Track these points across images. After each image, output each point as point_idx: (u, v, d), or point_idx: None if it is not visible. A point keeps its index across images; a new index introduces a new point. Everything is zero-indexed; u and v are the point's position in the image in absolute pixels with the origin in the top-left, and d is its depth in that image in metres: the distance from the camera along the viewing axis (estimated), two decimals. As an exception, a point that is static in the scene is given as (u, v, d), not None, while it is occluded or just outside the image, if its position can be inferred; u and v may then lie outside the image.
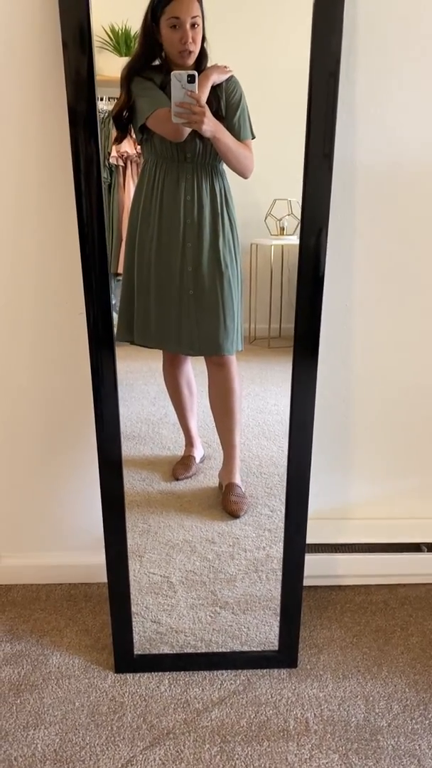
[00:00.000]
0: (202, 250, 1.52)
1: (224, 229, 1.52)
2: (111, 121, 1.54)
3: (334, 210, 1.37)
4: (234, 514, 1.79)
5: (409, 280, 1.68)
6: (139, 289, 1.59)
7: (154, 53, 1.41)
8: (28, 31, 1.43)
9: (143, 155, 1.51)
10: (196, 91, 1.33)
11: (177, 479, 1.83)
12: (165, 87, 1.39)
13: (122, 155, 1.59)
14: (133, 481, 1.82)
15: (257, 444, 1.79)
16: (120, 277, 1.71)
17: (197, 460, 1.83)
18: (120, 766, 1.35)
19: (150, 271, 1.56)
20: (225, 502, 1.80)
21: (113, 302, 1.74)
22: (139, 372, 1.81)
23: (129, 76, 1.44)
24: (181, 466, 1.83)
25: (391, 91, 1.51)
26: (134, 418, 1.84)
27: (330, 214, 1.34)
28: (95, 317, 1.39)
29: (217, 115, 1.40)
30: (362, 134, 1.53)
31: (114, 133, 1.55)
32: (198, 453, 1.83)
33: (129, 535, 1.71)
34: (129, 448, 1.82)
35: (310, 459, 1.49)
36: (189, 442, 1.82)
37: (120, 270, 1.68)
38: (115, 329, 1.56)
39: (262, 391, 1.79)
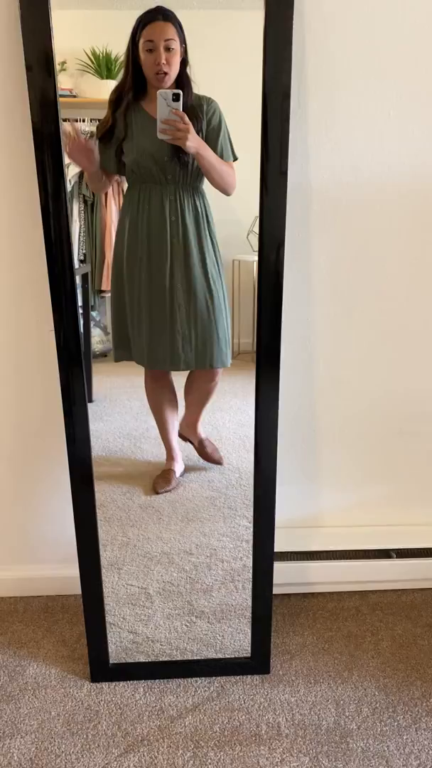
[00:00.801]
0: (191, 268, 1.57)
1: (207, 247, 1.57)
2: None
3: (291, 228, 1.42)
4: (220, 462, 1.84)
5: (368, 293, 1.74)
6: (132, 310, 1.63)
7: (138, 76, 1.47)
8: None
9: (126, 178, 1.56)
10: (181, 109, 1.40)
11: (157, 493, 1.84)
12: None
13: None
14: (113, 495, 1.84)
15: (237, 456, 1.82)
16: (104, 294, 1.76)
17: (177, 474, 1.85)
18: (95, 773, 1.38)
19: (141, 291, 1.60)
20: (205, 455, 1.84)
21: (98, 319, 1.81)
22: (122, 387, 1.84)
23: (117, 100, 1.50)
24: (162, 479, 1.85)
25: (341, 115, 1.57)
26: (116, 432, 1.86)
27: (288, 232, 1.39)
28: (65, 336, 1.44)
29: (198, 134, 1.45)
30: (315, 156, 1.59)
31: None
32: (179, 467, 1.85)
33: (108, 548, 1.77)
34: (110, 463, 1.85)
35: (275, 468, 1.54)
36: (170, 456, 1.84)
37: (104, 287, 1.72)
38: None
39: (244, 405, 1.80)
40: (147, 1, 1.39)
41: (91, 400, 1.74)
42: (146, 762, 1.40)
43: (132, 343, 1.66)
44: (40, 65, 1.32)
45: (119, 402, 1.84)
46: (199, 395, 1.78)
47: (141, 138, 1.49)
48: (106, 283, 1.71)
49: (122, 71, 1.49)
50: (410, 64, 1.55)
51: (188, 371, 1.74)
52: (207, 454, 1.83)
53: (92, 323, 1.81)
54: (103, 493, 1.77)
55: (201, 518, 1.84)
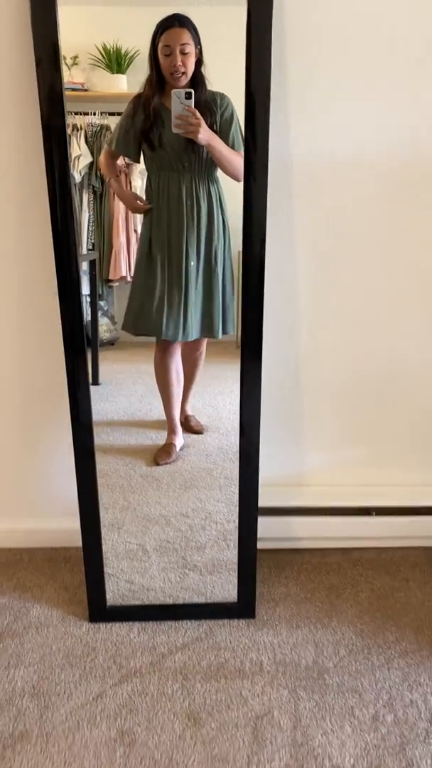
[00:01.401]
0: (200, 248, 1.72)
1: (217, 228, 1.72)
2: (103, 134, 1.74)
3: (275, 204, 1.56)
4: (200, 431, 1.98)
5: (347, 264, 1.83)
6: (154, 286, 1.76)
7: (159, 75, 1.60)
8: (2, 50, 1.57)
9: (146, 166, 1.70)
10: (193, 106, 1.55)
11: (158, 464, 1.96)
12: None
13: (110, 150, 1.73)
14: (117, 466, 1.95)
15: (234, 434, 1.84)
16: (112, 284, 1.88)
17: (178, 447, 1.97)
18: (91, 698, 1.51)
19: (163, 268, 1.74)
20: (189, 428, 1.98)
21: (105, 308, 1.92)
22: (128, 373, 1.96)
23: (143, 96, 1.63)
24: (163, 452, 1.97)
25: (318, 96, 1.66)
26: (121, 412, 1.97)
27: (272, 206, 1.52)
28: (71, 321, 1.57)
29: (211, 128, 1.60)
30: (296, 133, 1.68)
31: (106, 147, 1.74)
32: (179, 441, 1.97)
33: (110, 511, 1.88)
34: (114, 438, 1.96)
35: (259, 429, 1.66)
36: (171, 430, 1.96)
37: (111, 276, 1.85)
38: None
39: None
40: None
41: (97, 383, 1.89)
42: (138, 690, 1.54)
43: (151, 317, 1.79)
44: (48, 60, 1.43)
45: (125, 386, 1.97)
46: (188, 367, 1.91)
47: (161, 130, 1.63)
48: (114, 273, 1.85)
49: (148, 72, 1.61)
50: (382, 47, 1.63)
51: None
52: (190, 426, 1.99)
53: (100, 312, 1.92)
54: (106, 464, 1.90)
55: (198, 486, 1.95)
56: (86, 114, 1.74)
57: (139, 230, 1.79)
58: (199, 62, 1.58)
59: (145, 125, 1.64)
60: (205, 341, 1.85)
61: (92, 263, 1.86)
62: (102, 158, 1.75)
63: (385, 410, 2.00)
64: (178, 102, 1.55)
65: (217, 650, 1.66)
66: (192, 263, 1.72)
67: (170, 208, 1.69)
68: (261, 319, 1.58)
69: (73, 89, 1.55)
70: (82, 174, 1.79)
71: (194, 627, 1.75)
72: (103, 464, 1.72)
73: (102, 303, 1.93)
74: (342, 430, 2.02)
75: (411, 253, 1.82)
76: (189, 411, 1.98)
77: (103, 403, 1.91)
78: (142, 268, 1.76)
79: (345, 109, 1.68)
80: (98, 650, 1.66)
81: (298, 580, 1.94)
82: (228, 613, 1.77)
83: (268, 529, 1.98)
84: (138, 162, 1.70)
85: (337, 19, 1.60)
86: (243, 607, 1.77)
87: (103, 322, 1.94)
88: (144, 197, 1.73)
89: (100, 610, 1.75)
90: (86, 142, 1.77)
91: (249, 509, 1.71)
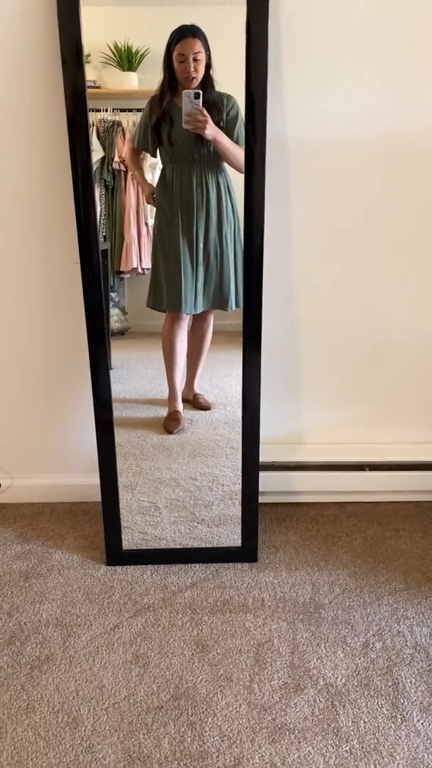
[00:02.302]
0: (209, 231, 1.88)
1: (227, 213, 1.88)
2: (115, 130, 1.88)
3: (272, 177, 1.70)
4: (207, 407, 2.10)
5: (341, 232, 1.95)
6: (167, 264, 1.92)
7: (172, 78, 1.76)
8: (29, 49, 1.71)
9: (161, 158, 1.85)
10: (201, 105, 1.72)
11: (171, 433, 2.09)
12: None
13: (123, 161, 1.91)
14: (129, 437, 2.08)
15: (240, 411, 1.95)
16: (123, 275, 2.01)
17: (182, 413, 2.12)
18: (109, 629, 1.68)
19: (177, 250, 1.89)
20: (197, 405, 2.11)
21: (116, 300, 2.02)
22: (138, 359, 2.10)
23: (159, 96, 1.78)
24: (172, 420, 2.10)
25: (312, 76, 1.78)
26: (133, 392, 2.10)
27: (269, 179, 1.66)
28: (92, 308, 1.73)
29: (218, 125, 1.77)
30: (291, 115, 1.82)
31: (119, 141, 1.90)
32: (181, 406, 2.11)
33: (124, 476, 1.99)
34: (127, 413, 2.09)
35: (260, 390, 1.81)
36: (172, 397, 2.09)
37: (122, 268, 1.98)
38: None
39: None
40: None
41: (110, 368, 1.93)
42: (151, 622, 1.70)
43: (167, 294, 1.95)
44: (72, 58, 1.57)
45: (136, 370, 2.11)
46: (197, 341, 2.05)
47: (174, 127, 1.79)
48: (125, 264, 1.99)
49: (162, 75, 1.75)
50: (373, 27, 1.74)
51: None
52: (199, 403, 2.12)
53: (111, 303, 2.02)
54: (120, 435, 1.96)
55: (206, 454, 2.08)
56: (98, 111, 1.84)
57: (150, 223, 1.93)
58: (208, 66, 1.74)
59: (160, 123, 1.80)
60: (212, 315, 2.00)
61: (104, 253, 1.91)
62: (126, 154, 1.90)
63: (380, 370, 2.12)
64: (188, 101, 1.71)
65: (222, 589, 1.83)
66: (201, 245, 1.88)
67: (183, 196, 1.84)
68: (260, 306, 1.73)
69: (87, 86, 1.63)
70: (95, 168, 1.87)
71: (202, 569, 1.91)
72: (117, 436, 1.86)
73: (113, 294, 2.04)
74: (338, 390, 2.14)
75: (404, 222, 1.94)
76: (197, 389, 2.11)
77: (115, 385, 1.97)
78: (159, 251, 1.91)
79: (336, 86, 1.79)
80: (115, 589, 1.83)
81: (297, 530, 2.10)
82: (233, 557, 1.94)
83: (268, 484, 2.14)
84: (155, 156, 1.84)
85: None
86: (246, 552, 1.94)
87: (114, 313, 2.05)
88: (156, 187, 1.87)
89: (116, 555, 1.92)
90: (98, 137, 1.86)
91: (251, 467, 1.88)
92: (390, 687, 1.51)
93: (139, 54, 1.74)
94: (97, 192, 1.90)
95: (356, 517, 2.18)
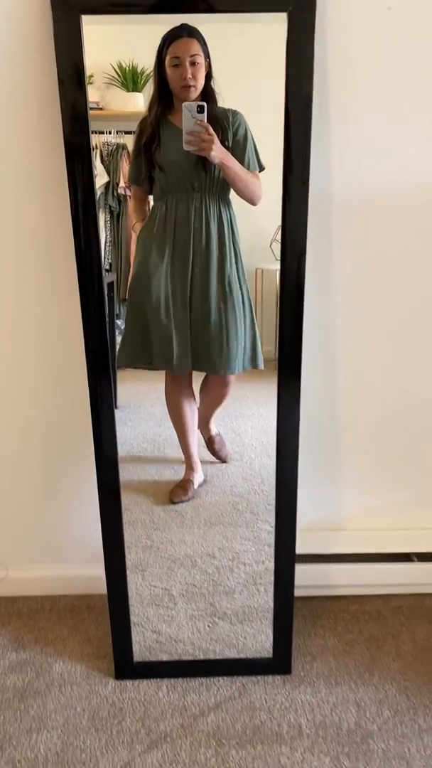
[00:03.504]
0: (210, 276, 1.61)
1: (229, 255, 1.61)
2: (120, 153, 1.69)
3: (312, 238, 1.47)
4: (225, 459, 1.87)
5: (389, 298, 1.76)
6: (153, 315, 1.66)
7: (165, 90, 1.52)
8: (26, 70, 1.54)
9: (153, 188, 1.61)
10: (205, 121, 1.45)
11: (173, 502, 1.87)
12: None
13: (128, 185, 1.72)
14: (138, 499, 1.88)
15: (259, 462, 1.85)
16: (129, 289, 1.78)
17: (196, 485, 1.87)
18: (119, 768, 1.42)
19: (162, 296, 1.64)
20: (213, 450, 1.87)
21: (122, 327, 1.82)
22: (145, 394, 1.88)
23: (148, 113, 1.56)
24: (180, 489, 1.87)
25: (362, 120, 1.60)
26: (140, 438, 1.90)
27: (310, 237, 1.44)
28: (94, 343, 1.50)
29: (223, 144, 1.49)
30: (337, 163, 1.62)
31: (124, 165, 1.70)
32: (197, 478, 1.87)
33: (132, 550, 1.79)
34: (134, 468, 1.89)
35: (297, 471, 1.58)
36: (189, 466, 1.87)
37: (130, 282, 1.75)
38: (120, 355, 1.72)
39: (267, 411, 1.81)
40: (173, 18, 1.43)
41: (116, 407, 1.78)
42: (169, 758, 1.43)
43: (154, 349, 1.69)
44: (71, 79, 1.39)
45: (143, 408, 1.90)
46: (212, 398, 1.82)
47: (169, 149, 1.54)
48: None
49: (153, 86, 1.54)
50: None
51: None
52: (215, 450, 1.87)
53: (117, 332, 1.84)
54: (127, 496, 1.79)
55: (223, 522, 1.87)
56: (101, 133, 1.70)
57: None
58: (208, 76, 1.49)
59: (151, 145, 1.55)
60: (231, 380, 1.75)
61: (110, 285, 1.79)
62: (130, 203, 1.69)
63: (428, 451, 1.92)
64: (190, 116, 1.44)
65: (252, 711, 1.56)
66: (197, 292, 1.61)
67: (177, 234, 1.58)
68: (300, 335, 1.51)
69: (89, 108, 1.49)
70: (99, 193, 1.70)
71: (227, 684, 1.64)
72: (123, 498, 1.65)
73: (119, 322, 1.84)
74: (382, 470, 1.93)
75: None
76: (214, 430, 1.86)
77: (121, 428, 1.78)
78: (138, 296, 1.66)
79: (390, 132, 1.61)
80: (125, 711, 1.56)
81: (335, 631, 1.84)
82: (263, 669, 1.67)
83: (303, 577, 1.87)
84: (150, 193, 1.62)
85: (384, 33, 1.54)
86: (278, 663, 1.67)
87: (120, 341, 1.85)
88: (147, 220, 1.64)
89: (126, 667, 1.66)
90: (102, 161, 1.73)
91: (286, 556, 1.63)
92: None
93: (145, 74, 1.58)
94: (102, 218, 1.76)
95: (403, 614, 1.90)
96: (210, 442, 1.87)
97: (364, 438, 1.89)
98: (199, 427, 1.87)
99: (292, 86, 1.38)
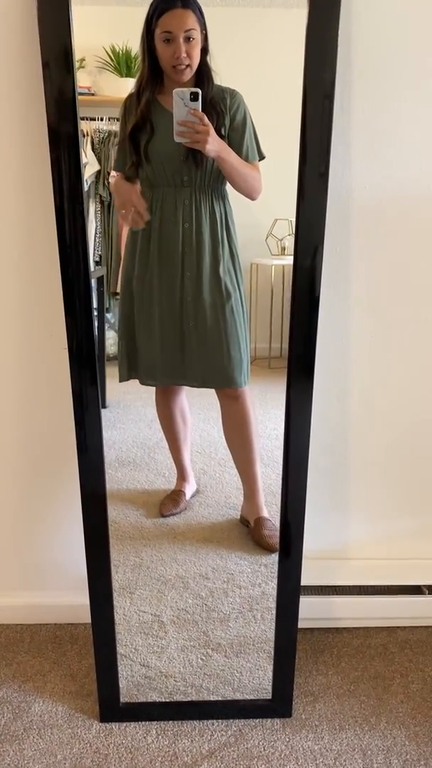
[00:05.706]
0: (202, 279, 1.48)
1: (224, 255, 1.47)
2: (112, 141, 1.56)
3: (329, 238, 1.35)
4: (272, 549, 1.70)
5: (407, 318, 1.67)
6: (140, 325, 1.54)
7: (155, 68, 1.37)
8: (9, 52, 1.43)
9: (139, 182, 1.47)
10: (200, 109, 1.30)
11: (163, 516, 1.77)
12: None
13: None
14: (126, 512, 1.80)
15: None
16: (119, 296, 1.70)
17: (188, 496, 1.77)
18: None
19: (151, 305, 1.51)
20: (258, 537, 1.73)
21: (112, 321, 1.78)
22: (136, 393, 1.76)
23: (136, 96, 1.40)
24: (170, 501, 1.77)
25: (386, 122, 1.50)
26: (129, 442, 1.82)
27: (325, 241, 1.31)
28: (78, 341, 1.36)
29: (218, 132, 1.35)
30: (358, 164, 1.51)
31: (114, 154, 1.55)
32: (189, 489, 1.77)
33: (120, 570, 1.71)
34: (123, 475, 1.81)
35: (305, 491, 1.46)
36: (181, 476, 1.77)
37: (119, 289, 1.66)
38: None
39: (262, 414, 1.75)
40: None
41: (104, 406, 1.72)
42: None
43: (140, 363, 1.58)
44: (57, 62, 1.26)
45: (133, 408, 1.81)
46: (232, 431, 1.68)
47: (157, 137, 1.39)
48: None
49: (141, 65, 1.39)
50: None
51: (221, 428, 1.68)
52: (261, 536, 1.72)
53: (107, 325, 1.77)
54: (114, 507, 1.71)
55: (217, 538, 1.79)
56: (93, 119, 1.60)
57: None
58: (204, 51, 1.33)
59: (137, 131, 1.40)
60: (244, 394, 1.62)
61: (99, 280, 1.70)
62: (112, 187, 1.55)
63: None
64: (182, 104, 1.29)
65: (249, 759, 1.42)
66: (189, 298, 1.48)
67: (162, 235, 1.44)
68: (314, 347, 1.37)
69: (80, 93, 1.39)
70: (89, 183, 1.63)
71: (222, 728, 1.51)
72: (110, 509, 1.53)
73: (109, 315, 1.78)
74: (392, 498, 1.83)
75: None
76: (263, 510, 1.71)
77: (110, 431, 1.76)
78: (127, 304, 1.53)
79: (419, 134, 1.50)
80: (111, 759, 1.42)
81: (338, 668, 1.70)
82: (261, 712, 1.53)
83: (305, 608, 1.73)
84: (137, 178, 1.47)
85: (414, 27, 1.42)
86: (278, 705, 1.54)
87: (110, 335, 1.78)
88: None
89: (112, 708, 1.52)
90: (93, 149, 1.63)
91: (290, 587, 1.50)
92: None
93: (139, 59, 1.44)
94: (92, 208, 1.68)
95: (410, 649, 1.77)
96: (257, 526, 1.74)
97: (374, 464, 1.80)
98: (246, 509, 1.75)
99: (311, 69, 1.23)
